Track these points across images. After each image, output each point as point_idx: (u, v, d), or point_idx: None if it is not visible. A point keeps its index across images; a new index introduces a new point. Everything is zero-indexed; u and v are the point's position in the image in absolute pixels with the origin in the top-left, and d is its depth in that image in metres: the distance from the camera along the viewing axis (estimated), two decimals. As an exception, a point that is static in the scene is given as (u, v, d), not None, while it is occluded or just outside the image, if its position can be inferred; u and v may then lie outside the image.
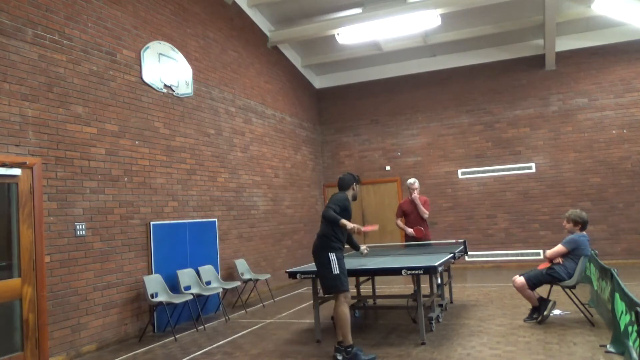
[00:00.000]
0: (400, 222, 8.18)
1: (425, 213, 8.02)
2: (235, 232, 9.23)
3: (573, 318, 6.12)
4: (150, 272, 7.05)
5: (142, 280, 6.73)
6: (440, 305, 6.78)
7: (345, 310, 4.91)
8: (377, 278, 7.90)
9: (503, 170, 11.79)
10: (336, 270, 4.89)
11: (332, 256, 4.93)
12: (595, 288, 6.45)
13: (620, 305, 4.45)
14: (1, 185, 5.31)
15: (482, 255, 11.77)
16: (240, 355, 5.57)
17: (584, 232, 6.02)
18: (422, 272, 5.34)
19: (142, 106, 7.26)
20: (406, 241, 8.18)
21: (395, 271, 5.59)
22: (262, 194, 10.26)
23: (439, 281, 7.25)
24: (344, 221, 4.92)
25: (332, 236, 4.99)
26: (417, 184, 8.25)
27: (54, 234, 5.75)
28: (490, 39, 11.59)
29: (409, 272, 5.34)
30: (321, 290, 5.29)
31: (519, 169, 11.67)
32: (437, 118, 12.43)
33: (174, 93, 7.94)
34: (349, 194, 5.35)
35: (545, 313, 5.94)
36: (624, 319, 4.25)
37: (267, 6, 10.57)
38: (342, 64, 12.88)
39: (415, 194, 8.11)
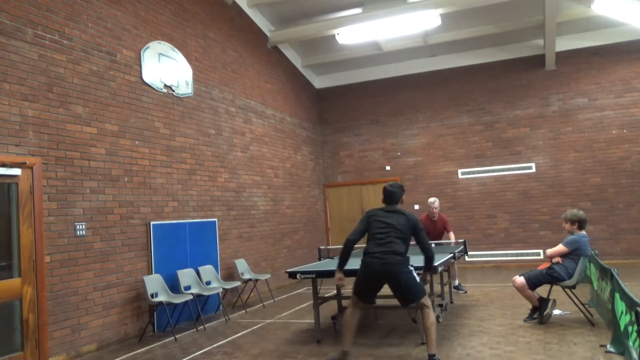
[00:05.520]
0: None
1: (451, 237, 8.45)
2: (235, 232, 9.23)
3: (573, 318, 6.12)
4: (150, 272, 7.05)
5: (142, 280, 6.73)
6: (441, 305, 6.77)
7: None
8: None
9: (503, 170, 11.79)
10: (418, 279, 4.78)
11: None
12: (595, 288, 6.45)
13: (620, 305, 4.45)
14: (1, 185, 5.31)
15: (482, 255, 11.77)
16: (240, 355, 5.57)
17: (584, 232, 6.02)
18: (422, 272, 5.32)
19: (142, 106, 7.26)
20: None
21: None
22: (262, 194, 10.26)
23: (456, 282, 7.37)
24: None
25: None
26: (437, 203, 8.48)
27: (54, 234, 5.75)
28: (490, 39, 11.59)
29: (409, 272, 5.32)
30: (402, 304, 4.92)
31: (519, 169, 11.67)
32: (437, 118, 12.43)
33: (174, 93, 7.94)
34: (399, 206, 4.99)
35: (546, 312, 5.94)
36: (624, 319, 4.25)
37: (267, 6, 10.57)
38: (342, 64, 12.88)
39: (435, 212, 8.48)
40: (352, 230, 4.87)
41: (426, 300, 4.72)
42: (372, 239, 4.74)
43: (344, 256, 4.83)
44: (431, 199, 8.55)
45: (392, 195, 4.94)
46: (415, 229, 4.76)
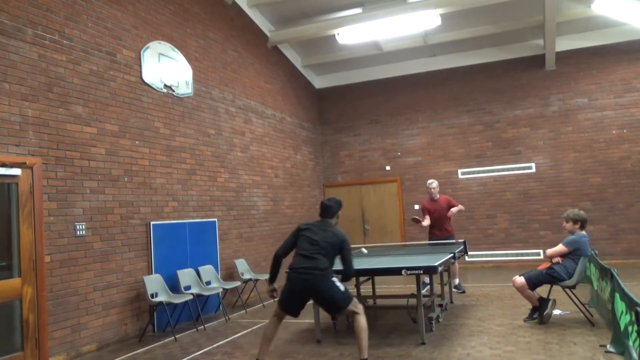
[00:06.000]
0: (425, 221, 8.60)
1: (455, 210, 8.45)
2: (235, 232, 9.23)
3: (573, 318, 6.12)
4: (150, 272, 7.05)
5: (142, 280, 6.73)
6: (440, 305, 6.78)
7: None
8: (377, 278, 7.90)
9: (503, 170, 11.79)
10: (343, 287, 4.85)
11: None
12: (595, 288, 6.45)
13: (620, 305, 4.45)
14: (1, 185, 5.31)
15: (482, 255, 11.77)
16: (240, 355, 5.57)
17: (584, 232, 6.02)
18: (422, 272, 5.34)
19: (142, 106, 7.26)
20: (430, 239, 8.60)
21: (395, 271, 5.60)
22: (262, 194, 10.26)
23: (456, 281, 7.42)
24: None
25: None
26: (435, 184, 8.61)
27: (54, 234, 5.75)
28: (490, 39, 11.59)
29: (409, 272, 5.34)
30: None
31: (519, 169, 11.67)
32: (437, 118, 12.43)
33: (174, 93, 7.94)
34: (334, 221, 5.07)
35: (546, 312, 5.94)
36: (624, 319, 4.25)
37: (267, 6, 10.57)
38: (342, 64, 12.88)
39: (434, 192, 8.55)
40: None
41: (355, 307, 4.77)
42: (297, 254, 4.84)
43: (273, 270, 4.99)
44: (429, 180, 8.73)
45: (327, 210, 5.02)
46: (341, 247, 4.82)
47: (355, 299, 4.85)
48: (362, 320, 4.73)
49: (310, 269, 4.69)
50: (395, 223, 12.59)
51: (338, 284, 4.77)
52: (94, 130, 6.43)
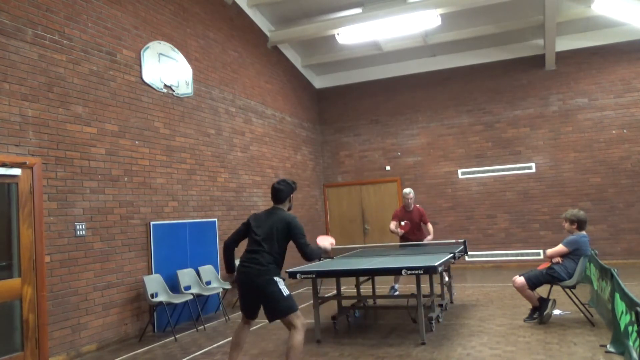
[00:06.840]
0: (393, 226, 8.45)
1: (429, 233, 8.44)
2: (235, 232, 9.21)
3: (573, 318, 6.12)
4: (150, 272, 7.05)
5: (142, 280, 6.73)
6: (440, 305, 6.78)
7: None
8: (377, 278, 7.89)
9: (503, 170, 11.79)
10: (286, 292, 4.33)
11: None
12: (595, 288, 6.45)
13: (620, 305, 4.45)
14: (1, 185, 5.31)
15: (482, 255, 11.77)
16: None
17: (584, 232, 6.02)
18: (422, 272, 5.34)
19: (142, 106, 7.26)
20: (401, 241, 8.49)
21: (395, 271, 5.59)
22: (262, 194, 10.26)
23: (446, 279, 7.44)
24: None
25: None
26: (412, 194, 8.45)
27: (54, 234, 5.75)
28: (490, 39, 11.59)
29: (409, 272, 5.34)
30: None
31: (519, 169, 11.67)
32: (437, 118, 12.43)
33: (174, 93, 7.94)
34: (286, 207, 4.65)
35: (546, 312, 5.94)
36: (624, 319, 4.25)
37: (267, 6, 10.57)
38: (342, 64, 12.88)
39: (410, 203, 8.40)
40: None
41: (294, 319, 4.27)
42: (245, 250, 4.56)
43: (226, 261, 4.70)
44: (406, 190, 8.48)
45: (278, 194, 4.61)
46: (290, 232, 4.41)
47: (299, 312, 4.35)
48: (298, 338, 4.23)
49: (251, 262, 4.39)
50: (395, 223, 12.59)
51: (281, 286, 4.31)
52: (94, 130, 6.43)
